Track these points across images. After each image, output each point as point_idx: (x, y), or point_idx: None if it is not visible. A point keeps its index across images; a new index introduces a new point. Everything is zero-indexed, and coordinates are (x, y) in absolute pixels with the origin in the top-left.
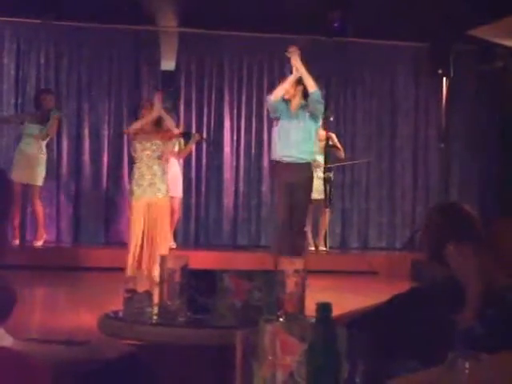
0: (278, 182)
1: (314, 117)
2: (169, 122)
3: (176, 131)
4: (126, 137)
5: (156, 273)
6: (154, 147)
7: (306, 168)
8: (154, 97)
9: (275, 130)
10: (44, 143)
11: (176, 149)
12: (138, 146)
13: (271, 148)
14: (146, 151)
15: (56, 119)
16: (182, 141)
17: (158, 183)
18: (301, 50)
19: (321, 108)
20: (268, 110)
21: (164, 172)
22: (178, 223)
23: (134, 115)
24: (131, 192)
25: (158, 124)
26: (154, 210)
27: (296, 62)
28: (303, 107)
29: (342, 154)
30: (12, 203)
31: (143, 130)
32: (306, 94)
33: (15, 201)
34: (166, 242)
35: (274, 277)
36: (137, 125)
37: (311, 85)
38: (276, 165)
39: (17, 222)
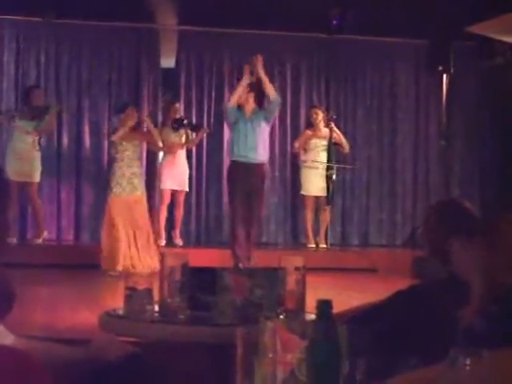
0: (236, 182)
1: (268, 120)
2: (156, 137)
3: (160, 145)
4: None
5: (156, 265)
6: (134, 147)
7: (262, 168)
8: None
9: (232, 133)
10: (37, 139)
11: (183, 140)
12: (119, 146)
13: (230, 150)
14: (126, 151)
15: (55, 113)
16: (190, 132)
17: (136, 182)
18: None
19: (277, 112)
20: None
21: (142, 171)
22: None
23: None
24: (110, 189)
25: (137, 125)
26: (134, 208)
27: (260, 70)
28: (256, 111)
29: (346, 149)
30: (9, 199)
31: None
32: (259, 100)
33: (12, 198)
34: (151, 236)
35: (275, 274)
36: (121, 132)
37: (272, 92)
38: (233, 165)
39: (13, 219)
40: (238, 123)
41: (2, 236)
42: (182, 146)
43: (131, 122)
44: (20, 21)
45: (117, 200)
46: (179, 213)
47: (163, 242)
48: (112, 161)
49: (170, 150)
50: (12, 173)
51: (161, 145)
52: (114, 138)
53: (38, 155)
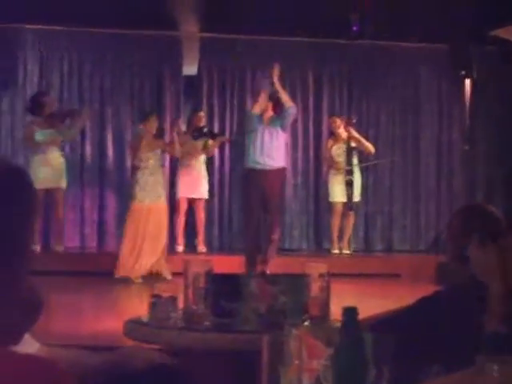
0: (252, 188)
1: (284, 127)
2: (177, 148)
3: (178, 155)
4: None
5: (166, 272)
6: (157, 156)
7: (278, 173)
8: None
9: (247, 140)
10: (60, 146)
11: (200, 148)
12: (142, 156)
13: (244, 156)
14: (149, 160)
15: (86, 116)
16: (208, 140)
17: (159, 190)
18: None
19: (291, 120)
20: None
21: (163, 179)
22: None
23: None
24: (134, 196)
25: (159, 135)
26: (155, 215)
27: (276, 80)
28: (273, 119)
29: (371, 150)
30: (37, 206)
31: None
32: (276, 107)
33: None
34: (163, 243)
35: (299, 281)
36: (142, 152)
37: (288, 101)
38: (249, 172)
39: (38, 227)
40: (255, 130)
41: (30, 244)
42: (199, 153)
43: (151, 132)
44: (43, 30)
45: (139, 207)
46: (200, 220)
47: (181, 249)
48: (135, 169)
49: (186, 157)
50: (37, 180)
51: (179, 155)
52: (139, 164)
53: (63, 162)
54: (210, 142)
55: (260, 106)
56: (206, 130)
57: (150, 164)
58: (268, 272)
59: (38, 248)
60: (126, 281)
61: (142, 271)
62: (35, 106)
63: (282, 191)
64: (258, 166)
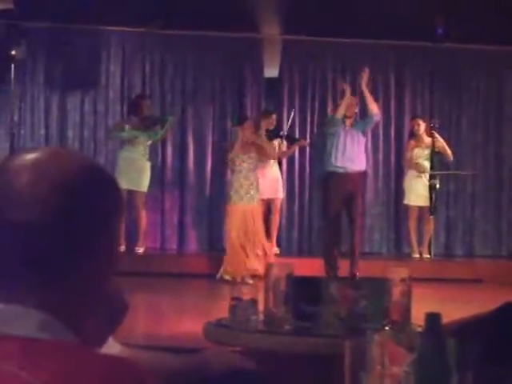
0: (334, 191)
1: (364, 132)
2: (269, 148)
3: (275, 157)
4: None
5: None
6: (251, 160)
7: (359, 177)
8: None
9: (328, 143)
10: (147, 148)
11: (276, 150)
12: (236, 159)
13: (324, 160)
14: (243, 163)
15: (171, 124)
16: (285, 142)
17: (253, 192)
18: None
19: (372, 126)
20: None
21: (258, 182)
22: (281, 229)
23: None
24: (229, 198)
25: (253, 146)
26: (250, 216)
27: (364, 85)
28: (355, 123)
29: (450, 157)
30: (124, 209)
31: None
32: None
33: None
34: (264, 241)
35: (380, 285)
36: (235, 155)
37: (374, 108)
38: (331, 175)
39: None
40: (337, 134)
41: (117, 245)
42: (275, 155)
43: (248, 138)
44: (125, 31)
45: (234, 208)
46: (276, 221)
47: (277, 251)
48: (230, 173)
49: (261, 158)
50: (121, 181)
51: (275, 157)
52: (233, 160)
53: (148, 165)
54: (283, 144)
55: (342, 109)
56: (282, 132)
57: (244, 167)
58: (358, 275)
59: (123, 248)
60: (207, 281)
61: (246, 272)
62: (132, 106)
63: (363, 195)
64: (340, 170)
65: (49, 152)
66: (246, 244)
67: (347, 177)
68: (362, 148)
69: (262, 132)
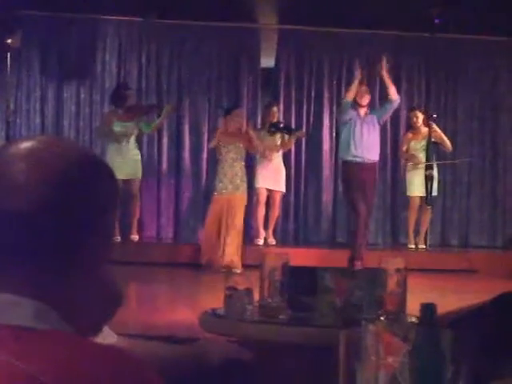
0: (353, 180)
1: (381, 120)
2: (256, 144)
3: (261, 149)
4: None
5: (236, 264)
6: (237, 149)
7: (375, 167)
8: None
9: (344, 133)
10: (135, 137)
11: (278, 143)
12: (222, 149)
13: (341, 149)
14: (229, 153)
15: (168, 111)
16: (285, 135)
17: (238, 181)
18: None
19: (390, 113)
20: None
21: (244, 171)
22: (278, 220)
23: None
24: (214, 188)
25: (241, 136)
26: (232, 206)
27: (384, 73)
28: (371, 112)
29: (449, 147)
30: (118, 196)
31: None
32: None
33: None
34: (239, 235)
35: (375, 275)
36: (214, 142)
37: (394, 93)
38: (349, 164)
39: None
40: (352, 123)
41: (112, 235)
42: (277, 148)
43: (234, 126)
44: (122, 21)
45: (218, 198)
46: (274, 213)
47: (261, 241)
48: (216, 163)
49: (264, 153)
50: (115, 172)
51: (261, 150)
52: (211, 145)
53: (138, 154)
54: (287, 136)
55: (351, 93)
56: (282, 125)
57: (230, 157)
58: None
59: (119, 238)
60: (203, 271)
61: (224, 262)
62: (117, 97)
63: (375, 186)
64: (357, 159)
65: (44, 141)
66: (222, 234)
67: (363, 166)
68: (377, 138)
69: (265, 127)
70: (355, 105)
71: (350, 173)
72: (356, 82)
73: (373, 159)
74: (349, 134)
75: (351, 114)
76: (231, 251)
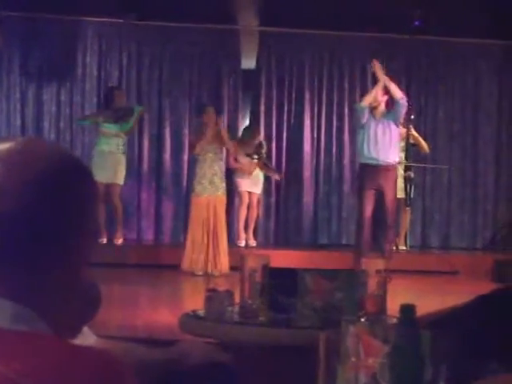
0: (368, 183)
1: (396, 122)
2: (228, 145)
3: (231, 150)
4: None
5: (221, 267)
6: (216, 149)
7: (393, 170)
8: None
9: (360, 135)
10: (122, 141)
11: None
12: (201, 149)
13: (357, 152)
14: (208, 153)
15: (139, 115)
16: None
17: (217, 181)
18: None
19: (403, 113)
20: (352, 116)
21: (223, 172)
22: (258, 221)
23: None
24: (192, 189)
25: (217, 135)
26: (212, 208)
27: (380, 75)
28: (386, 113)
29: (426, 150)
30: (99, 201)
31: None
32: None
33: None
34: (225, 239)
35: (356, 277)
36: (198, 149)
37: (399, 93)
38: (365, 167)
39: (102, 220)
40: (368, 125)
41: (95, 238)
42: (252, 169)
43: (211, 127)
44: (102, 22)
45: (198, 200)
46: (253, 214)
47: (242, 243)
48: (195, 162)
49: (242, 169)
50: (98, 175)
51: (232, 151)
52: (195, 152)
53: (123, 158)
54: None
55: (372, 98)
56: (263, 156)
57: (209, 157)
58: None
59: (104, 241)
60: (185, 273)
61: (203, 264)
62: (106, 98)
63: (395, 189)
64: (373, 162)
65: (21, 142)
66: (207, 237)
67: (379, 169)
68: (395, 139)
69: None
70: (369, 110)
71: (363, 175)
72: (379, 86)
73: (389, 161)
74: (363, 137)
75: (367, 116)
76: (220, 255)
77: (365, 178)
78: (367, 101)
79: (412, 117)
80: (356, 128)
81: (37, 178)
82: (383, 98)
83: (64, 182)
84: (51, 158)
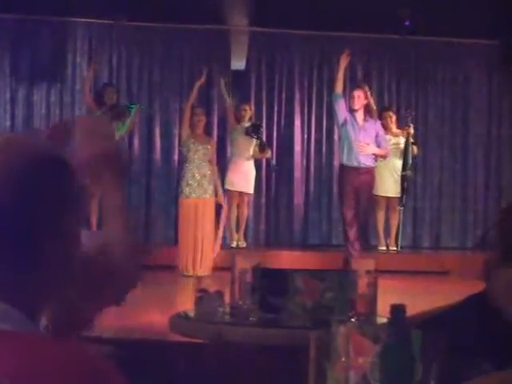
0: (347, 185)
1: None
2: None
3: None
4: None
5: (203, 270)
6: (206, 150)
7: (371, 172)
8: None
9: (342, 136)
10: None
11: (251, 153)
12: (191, 146)
13: (339, 153)
14: (198, 153)
15: (137, 113)
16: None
17: (206, 184)
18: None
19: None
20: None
21: (212, 173)
22: (248, 222)
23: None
24: (180, 191)
25: (206, 136)
26: (201, 211)
27: (343, 63)
28: (365, 117)
29: (414, 151)
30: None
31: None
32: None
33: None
34: (211, 241)
35: (346, 277)
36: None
37: (338, 87)
38: (344, 169)
39: (94, 220)
40: (348, 127)
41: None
42: (249, 154)
43: (199, 127)
44: (92, 23)
45: (186, 201)
46: (243, 214)
47: (234, 244)
48: (183, 161)
49: (236, 153)
50: None
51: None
52: (182, 140)
53: None
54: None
55: (339, 83)
56: (260, 133)
57: (197, 157)
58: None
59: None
60: (177, 274)
61: (191, 265)
62: (97, 97)
63: (371, 192)
64: (352, 164)
65: (2, 141)
66: (197, 239)
67: (358, 171)
68: (374, 142)
69: (241, 127)
70: (351, 112)
71: (343, 177)
72: (341, 72)
73: (368, 164)
74: (344, 138)
75: (345, 114)
76: (209, 257)
77: (344, 181)
78: (339, 87)
79: (413, 113)
80: (339, 127)
81: (16, 177)
82: (364, 102)
83: (44, 180)
84: (32, 157)
